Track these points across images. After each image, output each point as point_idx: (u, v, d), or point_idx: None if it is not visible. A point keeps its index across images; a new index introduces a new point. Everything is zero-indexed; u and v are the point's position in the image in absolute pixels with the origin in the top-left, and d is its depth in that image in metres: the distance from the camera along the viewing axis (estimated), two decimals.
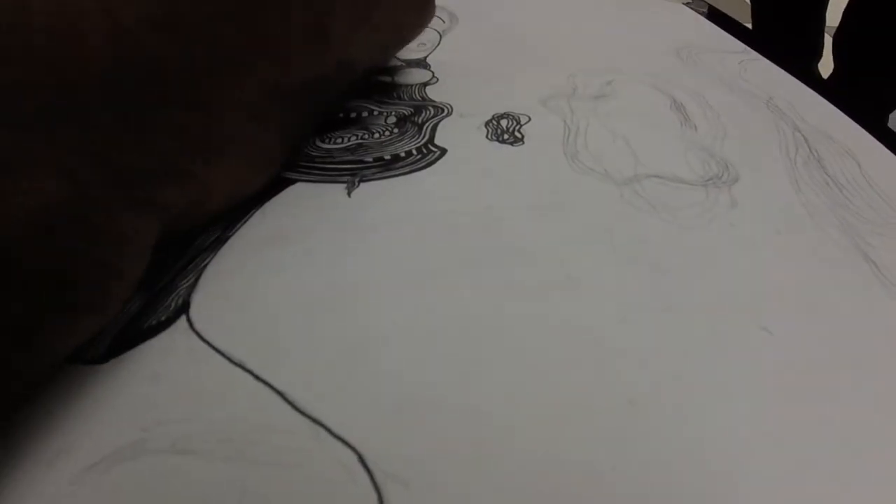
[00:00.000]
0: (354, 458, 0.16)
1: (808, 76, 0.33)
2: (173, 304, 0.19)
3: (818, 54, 1.04)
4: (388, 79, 0.31)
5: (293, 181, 0.24)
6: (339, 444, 0.16)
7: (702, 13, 0.41)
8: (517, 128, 0.28)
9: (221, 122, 0.18)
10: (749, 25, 0.39)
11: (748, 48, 0.37)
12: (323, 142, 0.26)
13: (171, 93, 0.16)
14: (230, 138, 0.19)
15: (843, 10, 0.95)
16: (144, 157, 0.16)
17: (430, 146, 0.26)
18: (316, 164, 0.24)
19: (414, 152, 0.26)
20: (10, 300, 0.13)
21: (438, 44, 0.35)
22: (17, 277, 0.13)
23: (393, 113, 0.28)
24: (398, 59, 0.33)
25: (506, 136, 0.27)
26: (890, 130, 0.30)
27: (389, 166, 0.25)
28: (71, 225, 0.14)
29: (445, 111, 0.28)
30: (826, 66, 1.01)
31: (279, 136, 0.22)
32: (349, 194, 0.23)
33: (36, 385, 0.16)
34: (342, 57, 0.23)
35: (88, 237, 0.15)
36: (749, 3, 1.04)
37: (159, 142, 0.16)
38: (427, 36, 0.36)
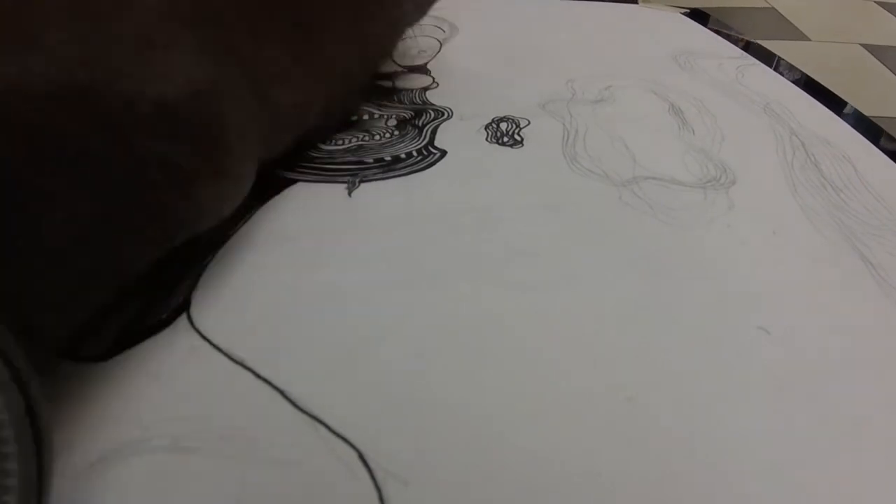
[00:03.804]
0: (355, 455, 0.16)
1: None
2: (174, 303, 0.19)
3: None
4: (388, 83, 0.31)
5: (294, 181, 0.24)
6: (339, 442, 0.16)
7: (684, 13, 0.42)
8: (517, 131, 0.28)
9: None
10: (743, 34, 0.39)
11: (746, 54, 0.37)
12: (324, 143, 0.26)
13: (282, 16, 0.21)
14: (331, 59, 0.23)
15: None
16: (260, 59, 0.20)
17: (430, 148, 0.26)
18: (317, 165, 0.25)
19: (414, 154, 0.26)
20: (177, 150, 0.16)
21: (439, 51, 0.35)
22: (181, 129, 0.16)
23: (393, 116, 0.28)
24: (398, 64, 0.33)
25: (505, 139, 0.27)
26: (887, 134, 0.31)
27: (390, 167, 0.25)
28: (212, 97, 0.17)
29: (446, 114, 0.28)
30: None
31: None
32: (350, 194, 0.23)
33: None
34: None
35: (220, 115, 0.18)
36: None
37: (269, 51, 0.20)
38: (427, 44, 0.36)
